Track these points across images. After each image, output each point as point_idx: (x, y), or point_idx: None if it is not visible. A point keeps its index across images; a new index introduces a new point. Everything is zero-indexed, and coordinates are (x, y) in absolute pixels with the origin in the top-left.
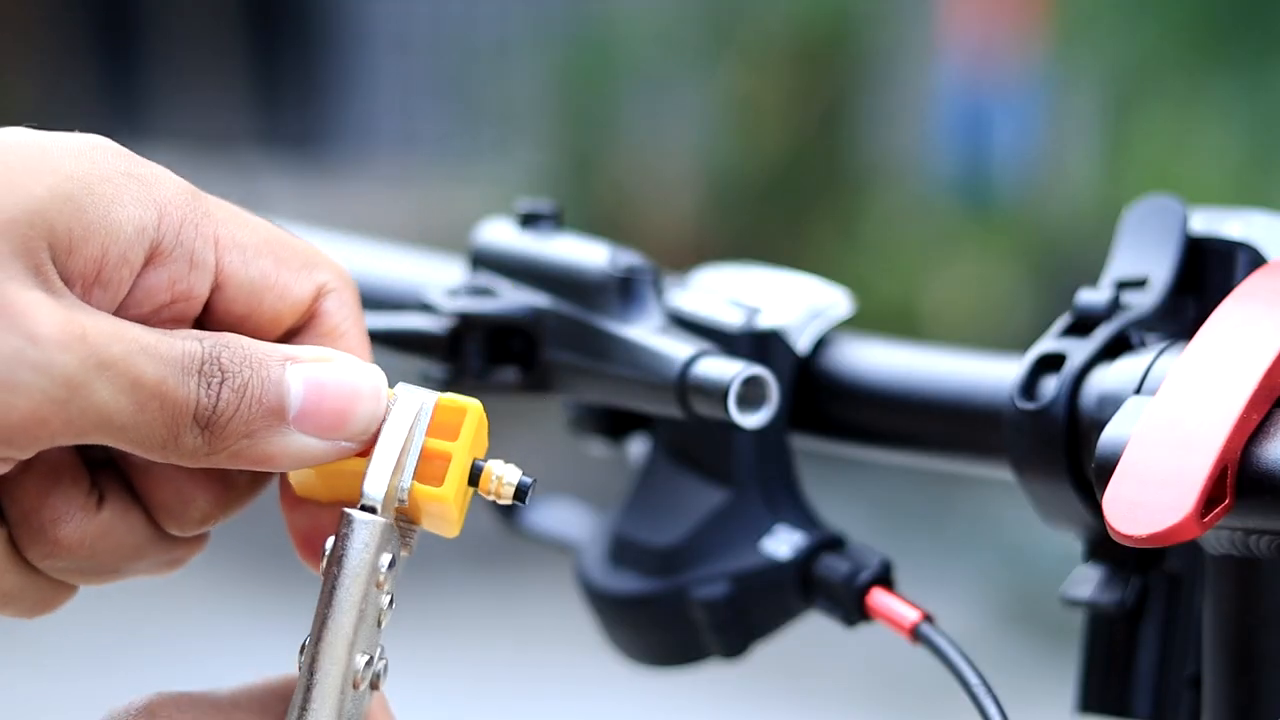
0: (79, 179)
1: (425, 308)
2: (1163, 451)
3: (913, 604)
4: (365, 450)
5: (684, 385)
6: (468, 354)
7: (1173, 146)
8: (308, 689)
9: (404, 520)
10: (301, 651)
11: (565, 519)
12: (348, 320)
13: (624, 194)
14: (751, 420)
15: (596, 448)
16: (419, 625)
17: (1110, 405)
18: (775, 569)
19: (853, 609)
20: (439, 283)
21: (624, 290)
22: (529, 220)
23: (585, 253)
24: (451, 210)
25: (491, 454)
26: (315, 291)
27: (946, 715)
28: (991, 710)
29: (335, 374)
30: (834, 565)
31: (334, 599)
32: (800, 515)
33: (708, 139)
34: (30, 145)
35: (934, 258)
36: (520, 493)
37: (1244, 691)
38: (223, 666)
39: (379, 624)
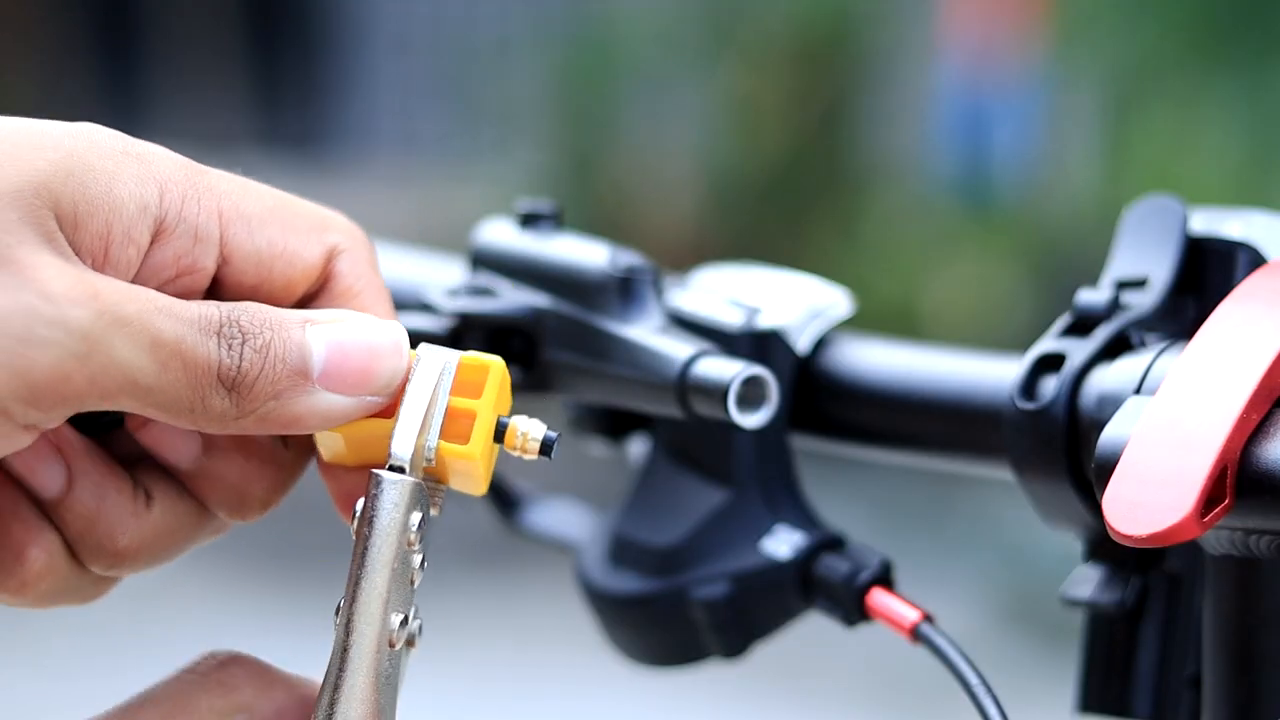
0: (79, 156)
1: (425, 308)
2: (1163, 451)
3: (913, 604)
4: (389, 411)
5: (684, 385)
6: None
7: (1173, 146)
8: (344, 650)
9: (431, 480)
10: (337, 613)
11: (565, 519)
12: (363, 279)
13: (624, 194)
14: (751, 420)
15: (596, 448)
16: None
17: (1110, 405)
18: (775, 569)
19: (853, 609)
20: (439, 283)
21: (624, 290)
22: (529, 220)
23: (585, 253)
24: (451, 210)
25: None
26: (326, 254)
27: (946, 715)
28: (991, 710)
29: (355, 332)
30: (834, 565)
31: (366, 559)
32: (800, 515)
33: (708, 139)
34: (28, 128)
35: (934, 258)
36: (546, 447)
37: (1244, 691)
38: None
39: (412, 584)
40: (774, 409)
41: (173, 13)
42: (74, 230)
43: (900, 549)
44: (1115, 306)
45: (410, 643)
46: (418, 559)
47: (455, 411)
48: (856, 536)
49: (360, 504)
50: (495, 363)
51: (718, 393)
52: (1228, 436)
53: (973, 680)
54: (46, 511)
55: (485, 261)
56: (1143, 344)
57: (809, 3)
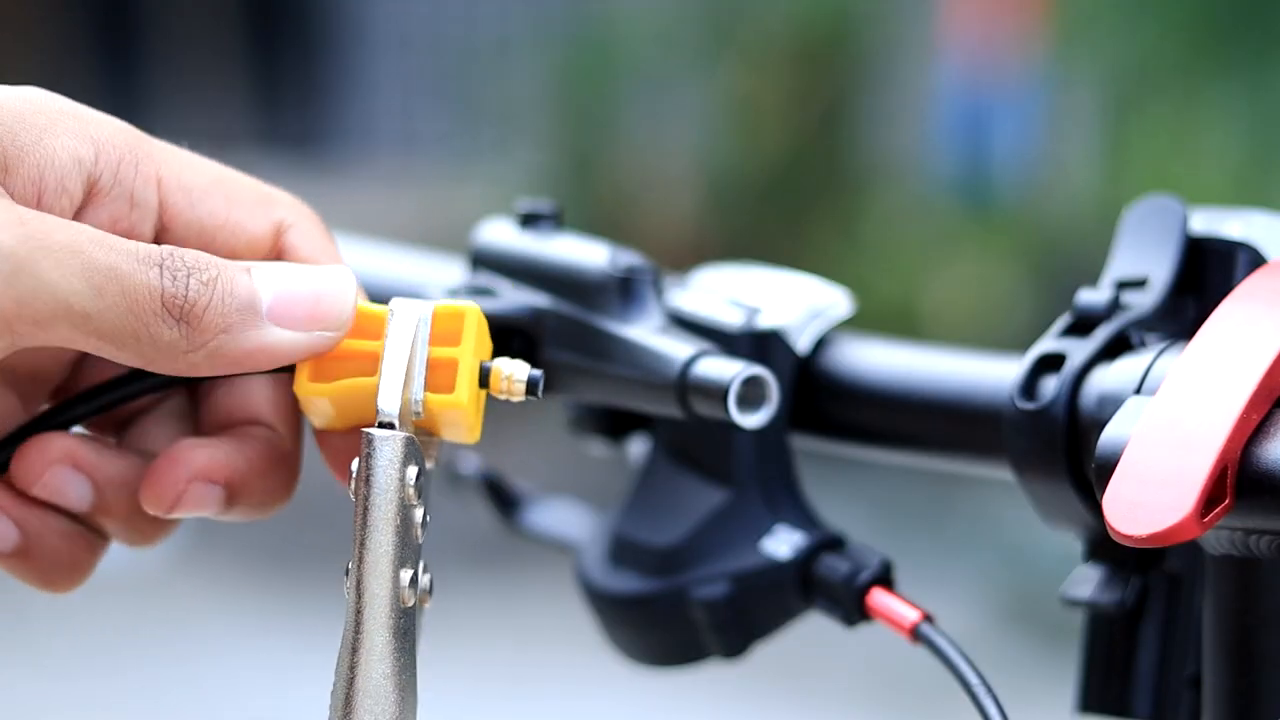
0: (11, 109)
1: None
2: (1163, 451)
3: (913, 604)
4: (371, 370)
5: (684, 385)
6: None
7: (1173, 147)
8: (358, 611)
9: (423, 433)
10: (346, 576)
11: (565, 519)
12: (317, 250)
13: (624, 194)
14: (751, 420)
15: (596, 448)
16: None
17: (1110, 405)
18: (775, 569)
19: (853, 609)
20: (439, 282)
21: (624, 290)
22: (529, 220)
23: (585, 253)
24: (451, 210)
25: (492, 455)
26: (274, 228)
27: (946, 715)
28: (991, 710)
29: (299, 274)
30: (834, 565)
31: (369, 518)
32: (800, 515)
33: (708, 139)
34: None
35: (934, 258)
36: (532, 386)
37: (1244, 691)
38: (223, 666)
39: (418, 539)
40: (774, 409)
41: (173, 13)
42: (3, 173)
43: (900, 549)
44: (1115, 306)
45: (424, 600)
46: (419, 514)
47: (436, 361)
48: (856, 536)
49: (355, 464)
50: (470, 308)
51: (718, 393)
52: (1228, 436)
53: (973, 680)
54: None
55: (485, 261)
56: (1143, 344)
57: (809, 3)
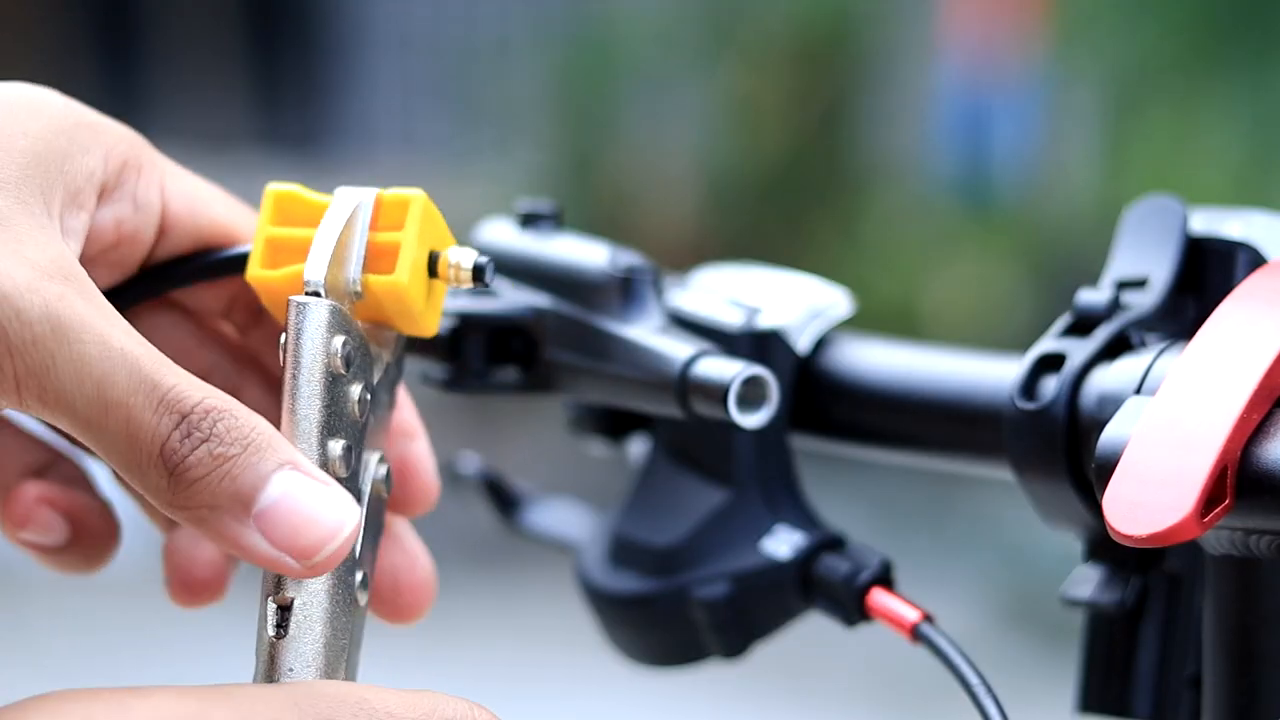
0: (36, 134)
1: None
2: (1163, 451)
3: (913, 604)
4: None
5: (684, 385)
6: (468, 354)
7: (1173, 147)
8: None
9: (377, 327)
10: None
11: (565, 519)
12: None
13: (624, 194)
14: (751, 420)
15: (596, 448)
16: (418, 625)
17: (1110, 405)
18: (775, 569)
19: (853, 609)
20: None
21: (624, 290)
22: (529, 220)
23: (585, 253)
24: (451, 210)
25: (492, 455)
26: None
27: (946, 715)
28: (991, 710)
29: (310, 493)
30: (834, 565)
31: (294, 385)
32: (800, 515)
33: (708, 139)
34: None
35: (934, 258)
36: (478, 272)
37: (1244, 691)
38: (224, 666)
39: (356, 416)
40: (774, 409)
41: (173, 13)
42: (45, 198)
43: (900, 549)
44: (1115, 306)
45: (380, 489)
46: (355, 390)
47: (380, 246)
48: (856, 536)
49: (282, 337)
50: (416, 194)
51: (718, 393)
52: (1228, 436)
53: (973, 680)
54: None
55: None
56: (1143, 344)
57: (809, 3)
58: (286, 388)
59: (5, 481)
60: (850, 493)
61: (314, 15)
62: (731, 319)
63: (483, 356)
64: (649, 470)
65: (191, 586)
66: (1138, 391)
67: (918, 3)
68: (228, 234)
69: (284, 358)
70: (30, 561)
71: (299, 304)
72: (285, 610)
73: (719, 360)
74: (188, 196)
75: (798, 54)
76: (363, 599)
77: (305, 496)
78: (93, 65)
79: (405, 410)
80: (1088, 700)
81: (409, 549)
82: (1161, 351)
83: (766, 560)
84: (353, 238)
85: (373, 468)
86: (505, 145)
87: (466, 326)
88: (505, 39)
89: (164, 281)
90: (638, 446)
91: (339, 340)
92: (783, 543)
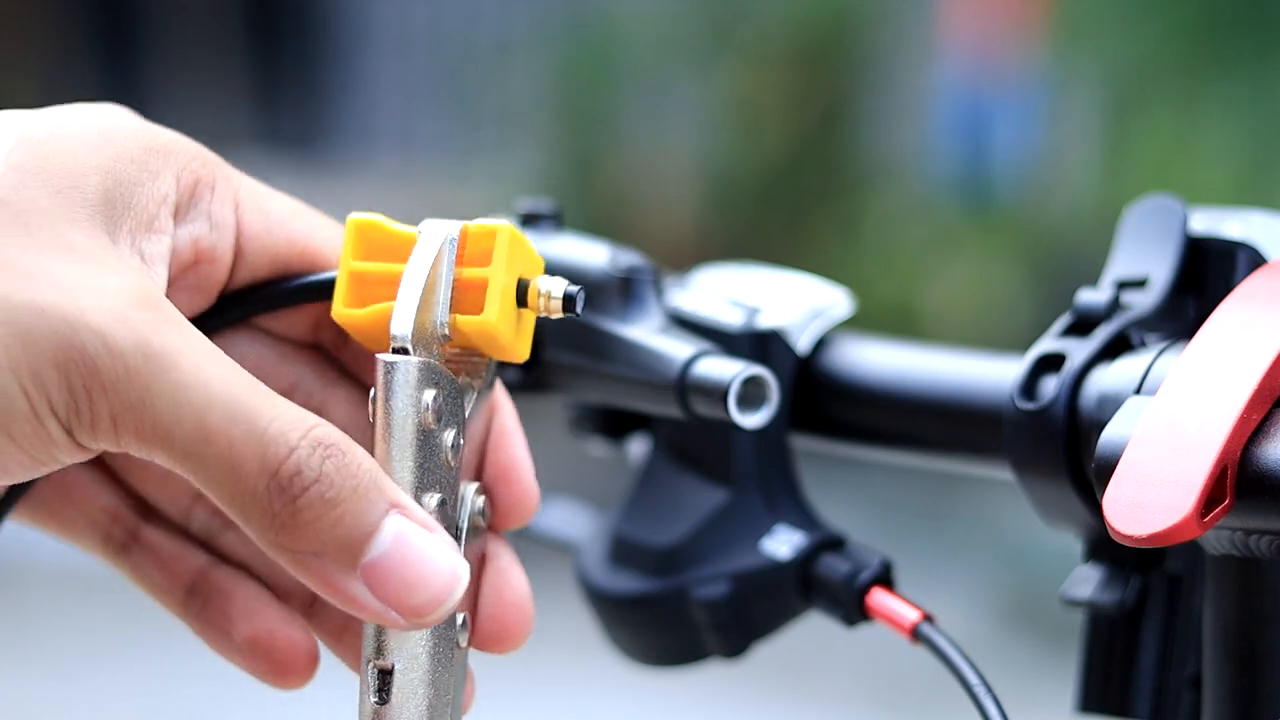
0: (105, 167)
1: None
2: (1163, 451)
3: (913, 604)
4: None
5: (684, 385)
6: None
7: (1173, 147)
8: None
9: (469, 353)
10: None
11: (565, 519)
12: None
13: (624, 194)
14: (751, 420)
15: (596, 448)
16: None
17: (1110, 405)
18: (775, 569)
19: (853, 609)
20: None
21: (624, 290)
22: (529, 220)
23: (585, 253)
24: (451, 210)
25: None
26: None
27: (946, 715)
28: (991, 710)
29: (424, 548)
30: (834, 565)
31: (385, 446)
32: (800, 515)
33: (708, 139)
34: (69, 122)
35: (934, 258)
36: (569, 302)
37: (1244, 691)
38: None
39: (448, 463)
40: (774, 409)
41: (173, 13)
42: (115, 230)
43: (900, 549)
44: (1115, 306)
45: (477, 525)
46: (448, 436)
47: (469, 282)
48: (856, 536)
49: (372, 392)
50: (503, 226)
51: (718, 393)
52: (1228, 437)
53: (973, 680)
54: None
55: None
56: (1143, 344)
57: (809, 3)
58: (378, 446)
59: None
60: (850, 493)
61: (314, 15)
62: (731, 319)
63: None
64: (649, 470)
65: (283, 664)
66: (1138, 391)
67: (918, 3)
68: (305, 250)
69: (373, 413)
70: (30, 561)
71: (387, 364)
72: (387, 675)
73: (719, 360)
74: (263, 211)
75: (798, 54)
76: (464, 641)
77: (414, 550)
78: (93, 65)
79: (501, 413)
80: (1087, 700)
81: (504, 569)
82: (1161, 351)
83: (766, 560)
84: (439, 278)
85: (469, 500)
86: (505, 145)
87: None
88: (505, 39)
89: (247, 308)
90: (638, 446)
91: (429, 395)
92: (783, 543)
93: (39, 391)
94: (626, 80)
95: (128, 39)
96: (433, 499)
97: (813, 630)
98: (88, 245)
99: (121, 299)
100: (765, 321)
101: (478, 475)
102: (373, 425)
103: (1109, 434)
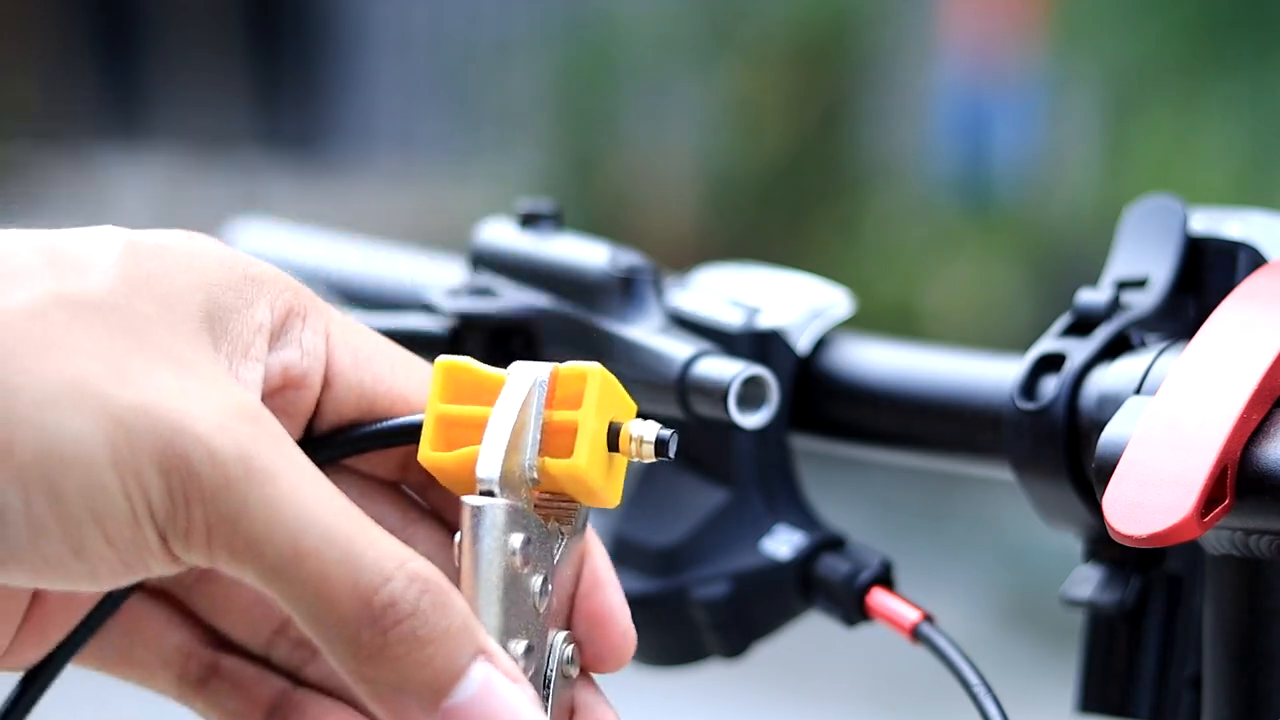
0: (208, 296)
1: (426, 308)
2: (1163, 452)
3: (913, 604)
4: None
5: (684, 385)
6: (469, 354)
7: (1173, 147)
8: None
9: (557, 500)
10: None
11: None
12: None
13: (624, 194)
14: (751, 420)
15: None
16: None
17: (1110, 405)
18: (775, 569)
19: (853, 609)
20: (439, 283)
21: (624, 290)
22: (529, 220)
23: (585, 253)
24: (451, 210)
25: None
26: None
27: (946, 715)
28: (991, 710)
29: (512, 696)
30: (834, 565)
31: (472, 593)
32: (800, 515)
33: (708, 139)
34: (172, 256)
35: (934, 258)
36: (661, 446)
37: (1244, 691)
38: None
39: (535, 608)
40: (774, 409)
41: (173, 13)
42: (216, 349)
43: (900, 549)
44: (1115, 306)
45: (566, 672)
46: (536, 581)
47: (558, 426)
48: (856, 536)
49: (458, 535)
50: (593, 369)
51: (718, 393)
52: (1228, 437)
53: (973, 680)
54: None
55: (485, 262)
56: (1143, 344)
57: (809, 3)
58: (464, 591)
59: None
60: (850, 493)
61: (314, 15)
62: (731, 319)
63: (483, 356)
64: (649, 470)
65: None
66: (1138, 391)
67: (918, 3)
68: (391, 389)
69: (458, 556)
70: None
71: (474, 507)
72: None
73: (719, 360)
74: (352, 346)
75: (798, 54)
76: None
77: (499, 699)
78: (93, 65)
79: (594, 559)
80: (1087, 700)
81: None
82: (1161, 351)
83: (766, 560)
84: (528, 421)
85: (558, 649)
86: (505, 145)
87: (467, 327)
88: (505, 39)
89: (334, 450)
90: None
91: (517, 539)
92: (783, 543)
93: (140, 493)
94: (626, 80)
95: (128, 39)
96: (519, 645)
97: (813, 630)
98: (194, 357)
99: (226, 411)
100: (765, 321)
101: (567, 623)
102: (458, 569)
103: (1109, 434)
